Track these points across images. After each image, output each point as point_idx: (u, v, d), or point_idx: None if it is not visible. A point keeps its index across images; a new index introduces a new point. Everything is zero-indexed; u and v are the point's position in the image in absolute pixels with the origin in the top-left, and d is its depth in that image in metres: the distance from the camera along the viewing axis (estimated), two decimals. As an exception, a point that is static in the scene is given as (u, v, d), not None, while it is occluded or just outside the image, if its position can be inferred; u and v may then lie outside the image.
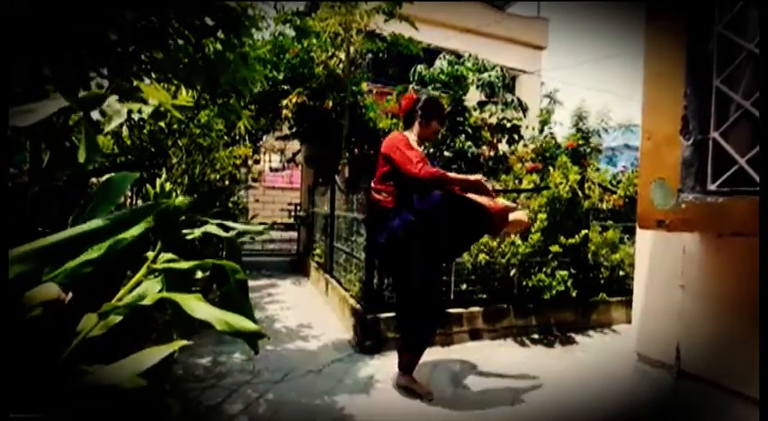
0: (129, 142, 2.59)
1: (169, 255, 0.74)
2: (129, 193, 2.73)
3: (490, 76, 5.47)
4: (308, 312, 3.79)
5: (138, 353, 0.54)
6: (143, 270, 0.69)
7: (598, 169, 4.51)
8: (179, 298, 0.58)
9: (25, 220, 0.97)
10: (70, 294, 0.54)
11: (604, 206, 3.87)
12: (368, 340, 2.76)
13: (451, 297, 3.12)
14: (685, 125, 1.11)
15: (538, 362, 2.74)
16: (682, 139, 1.14)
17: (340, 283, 3.88)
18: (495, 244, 3.23)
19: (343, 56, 5.90)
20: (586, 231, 3.45)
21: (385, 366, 2.50)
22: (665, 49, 1.15)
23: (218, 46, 1.72)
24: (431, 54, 6.53)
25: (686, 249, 1.33)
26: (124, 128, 2.40)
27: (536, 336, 3.26)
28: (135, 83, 1.72)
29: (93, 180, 1.84)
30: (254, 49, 1.81)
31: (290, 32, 6.03)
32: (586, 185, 3.58)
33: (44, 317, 0.64)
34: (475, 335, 3.11)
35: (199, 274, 1.04)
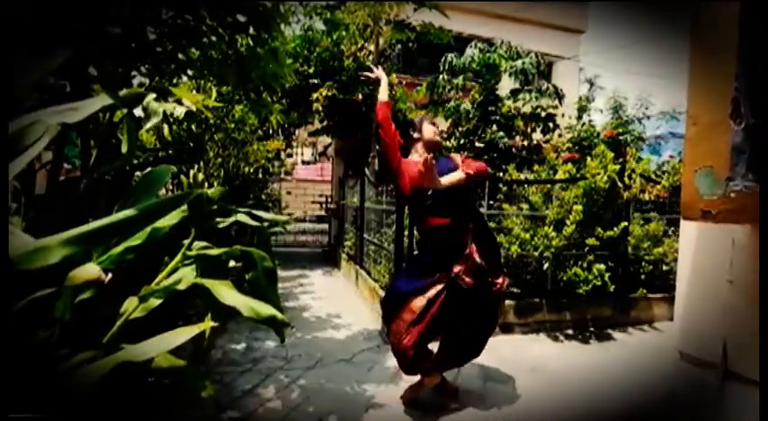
0: (169, 138, 2.73)
1: (203, 243, 0.78)
2: (171, 186, 2.88)
3: (524, 62, 5.25)
4: (339, 302, 3.87)
5: (169, 332, 0.58)
6: (179, 256, 0.73)
7: (640, 158, 4.26)
8: (210, 284, 0.61)
9: (76, 211, 1.05)
10: (110, 275, 0.58)
11: (647, 197, 3.67)
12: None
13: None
14: (736, 108, 1.03)
15: (571, 358, 2.66)
16: (732, 124, 1.05)
17: (370, 274, 3.92)
18: (527, 236, 3.15)
19: (372, 47, 5.87)
20: (626, 223, 3.29)
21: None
22: (713, 26, 1.06)
23: (249, 41, 1.76)
24: (462, 42, 6.37)
25: (735, 242, 1.24)
26: (164, 124, 2.53)
27: (570, 332, 3.16)
28: (174, 80, 1.80)
29: (138, 174, 1.96)
30: (284, 44, 1.84)
31: (320, 26, 6.07)
32: (626, 175, 3.39)
33: (92, 299, 0.69)
34: (506, 328, 3.06)
35: (232, 263, 1.09)
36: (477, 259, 1.87)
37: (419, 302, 1.88)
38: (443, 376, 2.14)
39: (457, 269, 1.86)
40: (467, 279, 1.85)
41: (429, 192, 1.94)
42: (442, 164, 2.01)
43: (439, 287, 1.89)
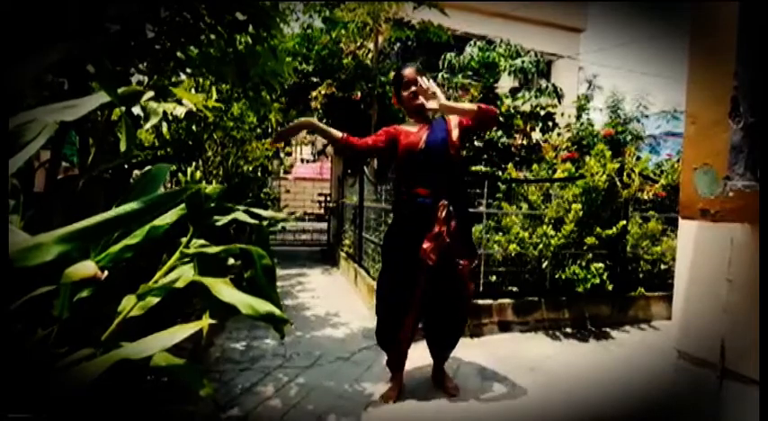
0: (167, 136, 2.72)
1: (201, 241, 0.78)
2: (169, 184, 2.88)
3: (523, 61, 5.26)
4: (338, 301, 3.87)
5: (167, 329, 0.58)
6: (177, 254, 0.73)
7: (639, 157, 4.27)
8: (208, 282, 0.61)
9: (74, 210, 1.05)
10: (106, 272, 0.58)
11: (645, 196, 3.67)
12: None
13: (480, 289, 3.08)
14: (735, 107, 1.03)
15: (570, 357, 2.67)
16: (731, 123, 1.05)
17: (368, 273, 3.93)
18: (526, 235, 3.15)
19: (371, 46, 5.87)
20: (625, 222, 3.29)
21: (412, 356, 2.51)
22: (712, 24, 1.06)
23: (248, 40, 1.76)
24: (462, 41, 6.38)
25: (734, 240, 1.24)
26: (163, 123, 2.52)
27: (569, 330, 3.17)
28: (173, 78, 1.80)
29: (136, 172, 1.95)
30: (282, 42, 1.84)
31: (319, 24, 6.06)
32: (625, 174, 3.40)
33: (91, 297, 0.69)
34: (504, 327, 3.07)
35: (231, 261, 1.08)
36: (447, 239, 1.88)
37: (412, 315, 1.96)
38: (445, 372, 2.16)
39: (426, 245, 1.87)
40: (432, 256, 1.87)
41: (417, 157, 1.92)
42: (435, 128, 1.97)
43: (420, 278, 1.92)
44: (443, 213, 1.90)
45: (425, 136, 1.94)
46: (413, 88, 1.96)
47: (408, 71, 1.98)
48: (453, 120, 2.02)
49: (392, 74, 6.89)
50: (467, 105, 1.86)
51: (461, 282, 1.98)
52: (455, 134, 1.97)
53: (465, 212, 2.06)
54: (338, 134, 1.95)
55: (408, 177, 1.97)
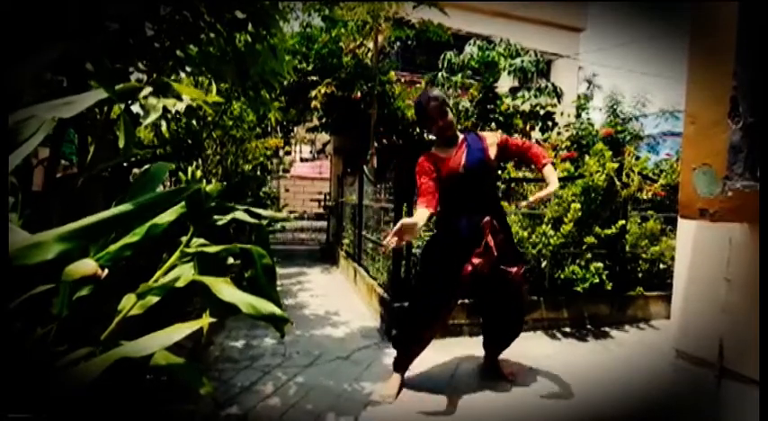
0: (167, 135, 2.71)
1: (201, 241, 0.78)
2: (169, 183, 2.87)
3: (523, 61, 5.26)
4: (337, 300, 3.87)
5: (167, 328, 0.58)
6: (177, 253, 0.72)
7: (638, 157, 4.27)
8: (209, 281, 0.61)
9: (73, 208, 1.04)
10: (106, 270, 0.58)
11: (644, 195, 3.68)
12: (395, 328, 2.79)
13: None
14: (734, 107, 1.03)
15: (569, 356, 2.67)
16: (730, 123, 1.05)
17: (368, 272, 3.93)
18: (525, 234, 3.15)
19: (371, 45, 5.86)
20: (624, 222, 3.30)
21: (412, 354, 2.51)
22: (712, 24, 1.06)
23: (248, 38, 1.76)
24: (461, 40, 6.37)
25: (733, 240, 1.24)
26: (163, 121, 2.52)
27: (568, 330, 3.18)
28: (173, 76, 1.79)
29: (135, 170, 1.95)
30: (282, 41, 1.83)
31: (319, 23, 6.06)
32: (624, 173, 3.40)
33: (90, 296, 0.69)
34: (503, 326, 3.07)
35: (231, 260, 1.08)
36: (496, 252, 1.93)
37: (437, 326, 2.09)
38: (499, 360, 2.31)
39: (476, 261, 1.91)
40: (485, 270, 1.92)
41: (460, 179, 1.95)
42: (471, 147, 1.98)
43: (453, 297, 2.04)
44: (490, 229, 1.94)
45: (464, 158, 1.95)
46: (440, 124, 1.95)
47: (433, 107, 1.92)
48: (489, 137, 2.05)
49: (392, 73, 6.85)
50: (555, 173, 2.08)
51: (516, 286, 2.05)
52: (492, 151, 2.00)
53: (506, 223, 2.11)
54: (427, 213, 1.89)
55: (451, 199, 1.99)
